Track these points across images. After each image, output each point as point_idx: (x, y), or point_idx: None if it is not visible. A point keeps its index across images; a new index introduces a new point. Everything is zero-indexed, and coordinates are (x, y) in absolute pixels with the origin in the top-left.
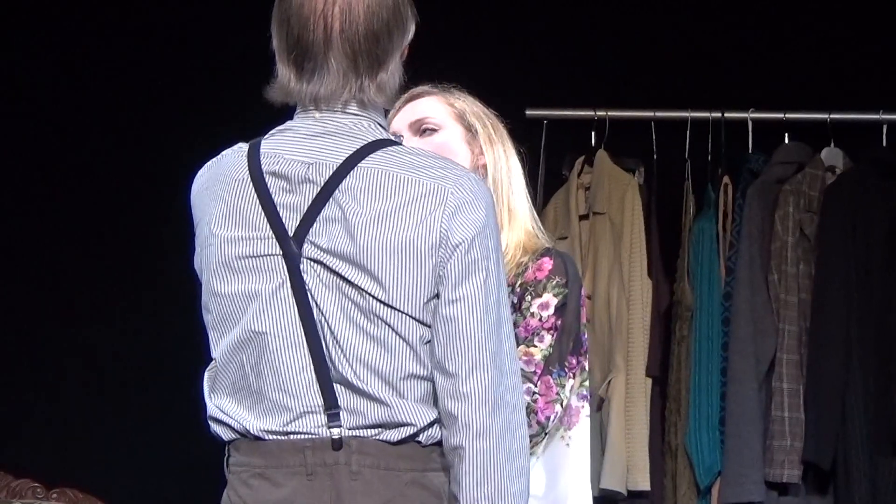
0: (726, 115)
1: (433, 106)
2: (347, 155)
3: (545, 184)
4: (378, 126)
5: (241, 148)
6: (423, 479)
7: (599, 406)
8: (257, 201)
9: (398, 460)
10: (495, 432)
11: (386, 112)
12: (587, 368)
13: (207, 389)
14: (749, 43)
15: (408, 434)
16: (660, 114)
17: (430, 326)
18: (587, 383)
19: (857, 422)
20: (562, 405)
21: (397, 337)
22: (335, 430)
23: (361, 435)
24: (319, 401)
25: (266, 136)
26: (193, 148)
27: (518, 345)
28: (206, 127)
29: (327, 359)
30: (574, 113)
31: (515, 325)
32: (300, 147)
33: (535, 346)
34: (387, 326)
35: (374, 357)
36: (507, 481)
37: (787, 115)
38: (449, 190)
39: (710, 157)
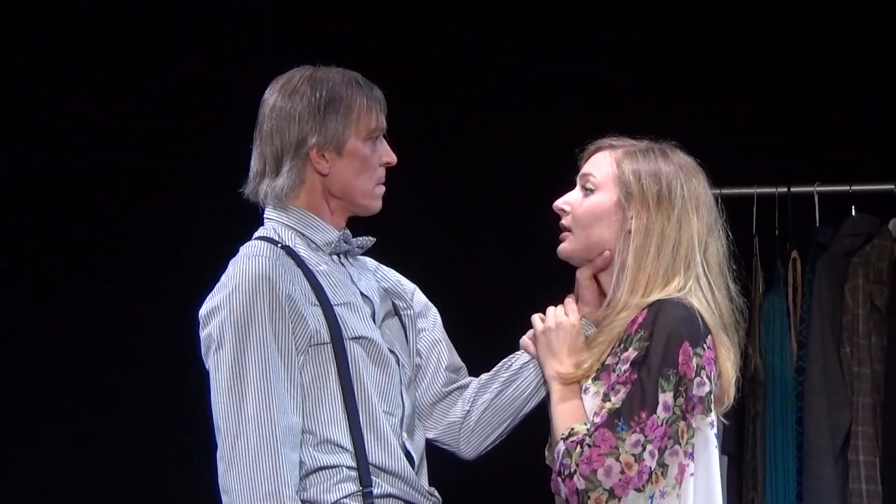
0: (792, 189)
1: (601, 164)
2: None
3: None
4: (269, 220)
5: None
6: None
7: None
8: None
9: None
10: (234, 490)
11: None
12: (695, 426)
13: None
14: (812, 116)
15: None
16: (725, 191)
17: None
18: (693, 440)
19: None
20: (618, 459)
21: None
22: None
23: None
24: None
25: None
26: None
27: (601, 400)
28: None
29: None
30: None
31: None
32: None
33: (609, 401)
34: None
35: None
36: None
37: (853, 187)
38: (223, 274)
39: (777, 232)
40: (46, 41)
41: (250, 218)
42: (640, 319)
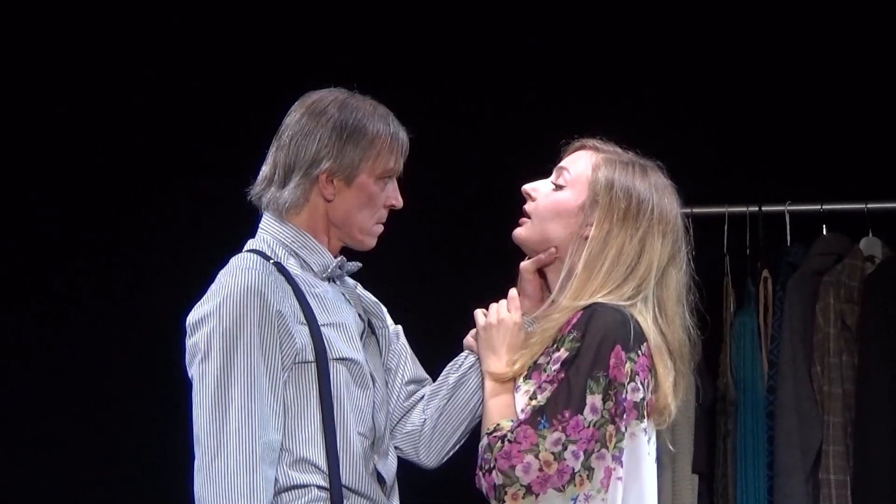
0: (763, 208)
1: (579, 163)
2: None
3: None
4: (264, 231)
5: None
6: None
7: None
8: None
9: None
10: (209, 502)
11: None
12: (624, 430)
13: None
14: (784, 135)
15: None
16: (697, 210)
17: None
18: (622, 444)
19: None
20: (537, 456)
21: None
22: None
23: None
24: None
25: None
26: None
27: (529, 398)
28: None
29: None
30: None
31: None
32: None
33: (536, 399)
34: None
35: None
36: None
37: (824, 207)
38: (214, 283)
39: (748, 251)
40: (47, 44)
41: (243, 227)
42: (573, 320)
